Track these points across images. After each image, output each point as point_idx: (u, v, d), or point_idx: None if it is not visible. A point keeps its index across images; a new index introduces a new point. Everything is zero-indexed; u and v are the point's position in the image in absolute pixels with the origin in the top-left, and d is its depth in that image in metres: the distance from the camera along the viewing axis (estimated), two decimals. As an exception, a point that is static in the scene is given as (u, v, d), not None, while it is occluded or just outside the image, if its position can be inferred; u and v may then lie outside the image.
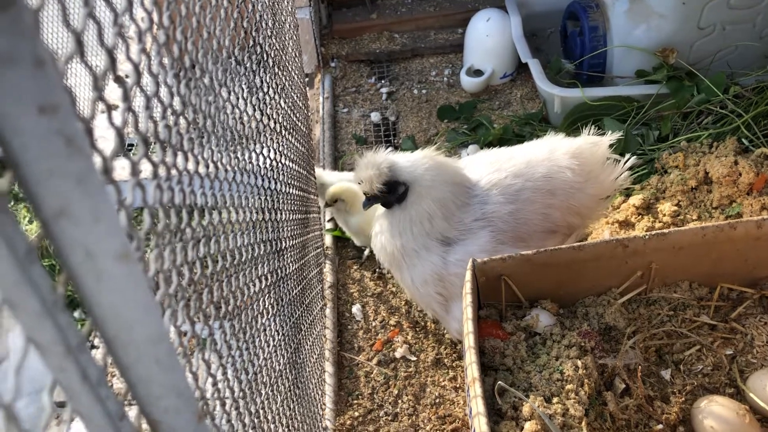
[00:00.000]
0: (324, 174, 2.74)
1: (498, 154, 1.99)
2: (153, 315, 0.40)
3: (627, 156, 2.02)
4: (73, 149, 0.32)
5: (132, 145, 2.87)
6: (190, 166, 0.73)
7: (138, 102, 0.59)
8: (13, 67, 0.29)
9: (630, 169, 2.02)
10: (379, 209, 2.02)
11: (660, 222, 2.36)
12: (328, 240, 2.76)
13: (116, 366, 0.43)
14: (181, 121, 0.71)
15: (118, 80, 0.48)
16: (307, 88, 3.27)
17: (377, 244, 2.01)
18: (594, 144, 1.97)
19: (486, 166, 1.91)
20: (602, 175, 1.97)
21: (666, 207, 2.38)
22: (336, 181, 2.64)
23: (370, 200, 1.92)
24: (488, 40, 3.31)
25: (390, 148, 1.93)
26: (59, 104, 0.31)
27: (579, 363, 1.46)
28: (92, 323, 0.40)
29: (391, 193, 1.87)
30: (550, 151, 1.93)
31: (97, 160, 0.40)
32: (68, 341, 0.38)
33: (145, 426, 0.51)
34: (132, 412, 0.48)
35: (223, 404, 0.82)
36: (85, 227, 0.34)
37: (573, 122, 2.81)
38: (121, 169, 1.14)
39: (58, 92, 0.31)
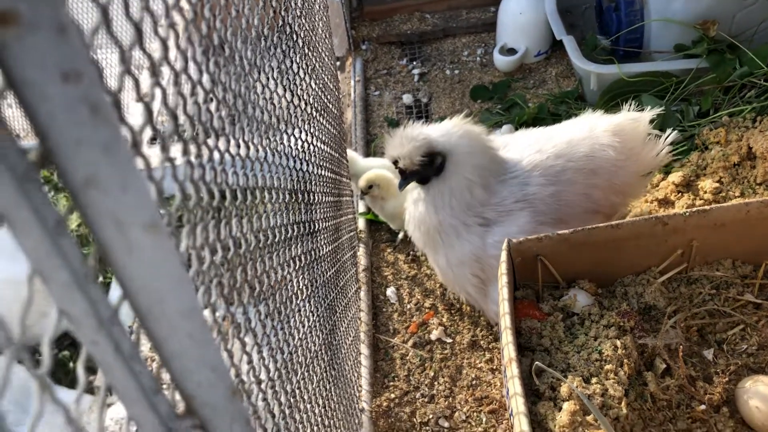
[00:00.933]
0: (358, 159, 2.73)
1: (537, 134, 1.96)
2: (184, 288, 0.40)
3: (668, 131, 1.97)
4: (98, 118, 0.32)
5: (163, 129, 2.90)
6: (221, 144, 0.73)
7: (166, 85, 0.58)
8: (35, 33, 0.29)
9: (671, 144, 1.97)
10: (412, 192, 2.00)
11: (701, 199, 2.30)
12: (361, 223, 2.76)
13: (150, 340, 0.43)
14: (210, 99, 0.70)
15: (146, 54, 0.48)
16: (339, 72, 3.26)
17: (412, 223, 1.98)
18: (635, 120, 1.92)
19: (526, 147, 1.88)
20: (644, 151, 1.93)
21: (707, 184, 2.32)
22: (370, 166, 2.64)
23: (407, 178, 1.89)
24: (521, 18, 3.25)
25: (422, 122, 1.92)
26: (83, 72, 0.30)
27: (618, 343, 1.43)
28: (125, 296, 0.40)
29: (429, 165, 1.84)
30: (591, 130, 1.89)
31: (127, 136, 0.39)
32: (100, 314, 0.38)
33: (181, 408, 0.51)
34: (167, 391, 0.48)
35: (259, 383, 0.82)
36: (114, 197, 0.34)
37: (610, 99, 2.74)
38: (155, 156, 1.15)
39: (81, 60, 0.30)
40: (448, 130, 1.85)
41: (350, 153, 2.67)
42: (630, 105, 2.00)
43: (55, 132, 0.31)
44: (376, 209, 2.62)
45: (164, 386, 0.47)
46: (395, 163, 1.88)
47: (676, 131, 2.00)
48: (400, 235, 2.68)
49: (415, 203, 1.95)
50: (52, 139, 0.31)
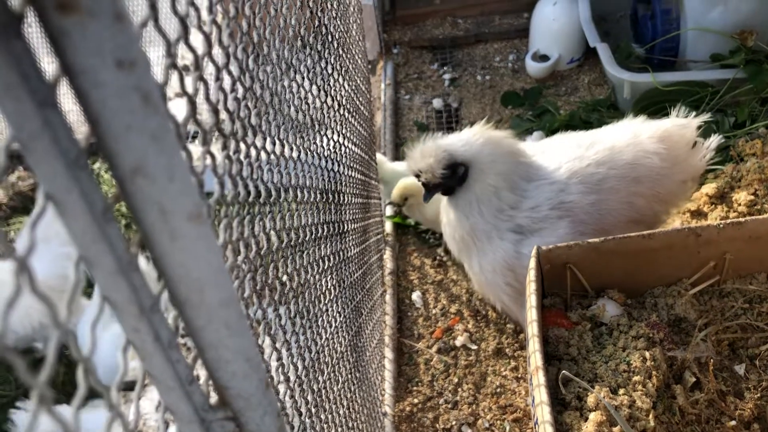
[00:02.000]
0: (385, 162, 2.73)
1: (577, 139, 1.90)
2: (223, 278, 0.40)
3: (712, 137, 1.92)
4: (149, 106, 0.32)
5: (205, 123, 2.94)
6: (258, 141, 0.73)
7: (207, 75, 0.59)
8: (94, 20, 0.29)
9: (714, 150, 1.92)
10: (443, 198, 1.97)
11: (735, 212, 2.26)
12: (388, 227, 2.76)
13: (187, 329, 0.43)
14: (249, 96, 0.71)
15: (190, 48, 0.48)
16: (370, 75, 3.27)
17: (446, 233, 1.96)
18: (683, 126, 1.87)
19: (565, 153, 1.84)
20: (688, 158, 1.88)
21: (742, 196, 2.27)
22: (397, 169, 2.64)
23: (431, 191, 1.87)
24: (555, 24, 3.23)
25: (442, 133, 1.90)
26: (137, 59, 0.31)
27: (647, 354, 1.41)
28: (165, 284, 0.40)
29: (452, 177, 1.82)
30: (635, 136, 1.84)
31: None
32: (142, 301, 0.38)
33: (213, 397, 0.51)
34: (201, 381, 0.49)
35: (287, 380, 0.83)
36: (161, 185, 0.34)
37: (643, 108, 2.71)
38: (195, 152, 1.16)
39: (135, 47, 0.31)
40: (469, 139, 1.82)
41: (378, 156, 2.68)
42: (678, 110, 1.94)
43: (106, 118, 0.32)
44: (416, 217, 2.61)
45: (198, 379, 0.47)
46: (417, 176, 1.86)
47: (720, 136, 1.93)
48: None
49: (446, 212, 1.93)
50: (102, 125, 0.32)
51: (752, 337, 1.56)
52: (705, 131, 2.50)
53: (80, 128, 0.33)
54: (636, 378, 1.38)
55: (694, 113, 1.92)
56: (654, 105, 2.71)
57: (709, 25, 2.73)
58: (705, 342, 1.53)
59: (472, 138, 1.82)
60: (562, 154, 1.85)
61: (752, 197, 2.27)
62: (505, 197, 1.80)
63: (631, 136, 1.84)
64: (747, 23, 2.67)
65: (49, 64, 0.33)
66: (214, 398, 0.50)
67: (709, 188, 2.35)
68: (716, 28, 2.72)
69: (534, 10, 3.35)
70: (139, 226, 0.37)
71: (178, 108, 0.49)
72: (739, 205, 2.27)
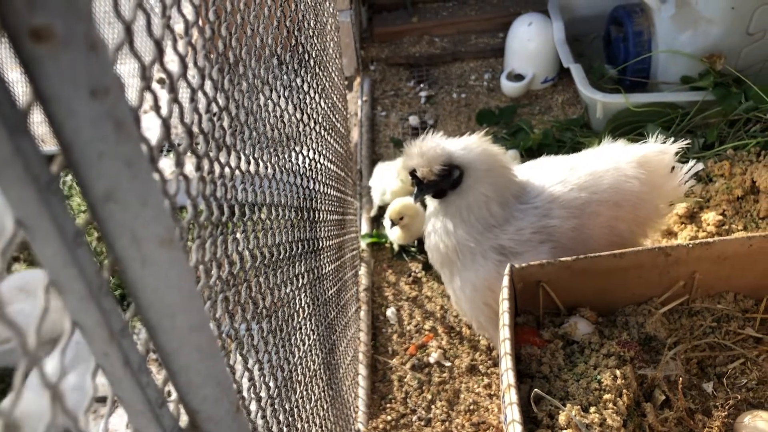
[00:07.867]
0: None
1: (560, 163, 1.91)
2: (195, 302, 0.40)
3: (691, 162, 1.94)
4: (122, 133, 0.32)
5: (179, 144, 2.94)
6: (232, 161, 0.73)
7: (182, 96, 0.59)
8: (68, 49, 0.29)
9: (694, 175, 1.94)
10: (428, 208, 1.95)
11: (704, 231, 2.31)
12: (363, 243, 2.76)
13: (158, 353, 0.43)
14: (224, 116, 0.71)
15: (165, 71, 0.49)
16: (347, 91, 3.28)
17: (430, 242, 1.93)
18: (661, 152, 1.88)
19: (550, 177, 1.84)
20: (667, 183, 1.90)
21: (710, 216, 2.32)
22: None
23: (423, 190, 1.82)
24: (530, 45, 3.28)
25: (440, 135, 1.85)
26: (110, 88, 0.31)
27: (618, 373, 1.43)
28: (136, 309, 0.40)
29: (447, 178, 1.79)
30: (615, 161, 1.85)
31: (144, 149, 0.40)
32: (112, 326, 0.38)
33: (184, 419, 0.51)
34: (172, 404, 0.48)
35: (259, 400, 0.82)
36: (133, 211, 0.34)
37: (616, 128, 2.76)
38: (167, 169, 1.15)
39: (109, 76, 0.31)
40: (468, 144, 1.80)
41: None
42: (656, 136, 1.97)
43: (79, 146, 0.32)
44: (405, 239, 2.67)
45: (170, 395, 0.47)
46: (412, 173, 1.84)
47: (700, 162, 1.95)
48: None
49: (433, 218, 1.90)
50: (75, 153, 0.32)
51: (720, 355, 1.59)
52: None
53: (50, 140, 0.33)
54: (607, 396, 1.39)
55: (672, 139, 1.94)
56: (626, 125, 2.76)
57: (680, 48, 2.80)
58: (674, 360, 1.55)
59: (470, 144, 1.80)
60: (546, 177, 1.85)
61: (721, 217, 2.32)
62: (495, 211, 1.78)
63: (611, 160, 1.86)
64: (715, 47, 2.74)
65: (20, 75, 0.33)
66: (184, 421, 0.49)
67: (679, 208, 2.40)
68: (686, 51, 2.78)
69: (509, 30, 3.39)
70: (111, 251, 0.37)
71: (152, 124, 0.49)
72: (708, 225, 2.32)
